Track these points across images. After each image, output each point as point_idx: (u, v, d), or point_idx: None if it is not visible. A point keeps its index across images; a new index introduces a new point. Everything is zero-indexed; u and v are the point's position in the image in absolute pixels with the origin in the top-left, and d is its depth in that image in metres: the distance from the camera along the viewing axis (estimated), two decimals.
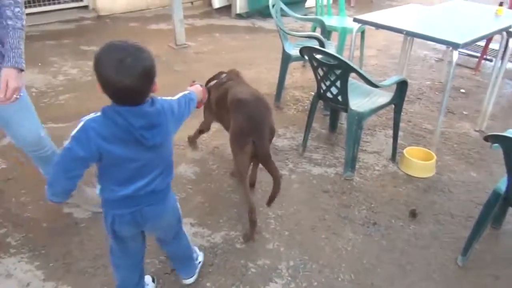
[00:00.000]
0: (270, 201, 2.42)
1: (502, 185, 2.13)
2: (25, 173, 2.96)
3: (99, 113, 1.49)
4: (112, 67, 1.40)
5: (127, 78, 1.40)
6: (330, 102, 3.02)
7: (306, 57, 2.91)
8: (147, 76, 1.45)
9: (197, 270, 2.17)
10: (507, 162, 1.99)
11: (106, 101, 1.50)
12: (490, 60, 4.95)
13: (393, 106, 3.10)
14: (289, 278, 2.22)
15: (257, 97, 2.41)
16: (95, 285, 2.14)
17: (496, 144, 2.01)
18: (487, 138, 2.00)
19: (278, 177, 2.36)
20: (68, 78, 4.42)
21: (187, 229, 2.51)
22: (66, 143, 1.49)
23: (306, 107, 3.96)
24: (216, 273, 2.24)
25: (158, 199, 1.71)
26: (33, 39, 5.44)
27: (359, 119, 2.86)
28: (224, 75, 2.73)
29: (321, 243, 2.46)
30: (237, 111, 2.34)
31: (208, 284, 2.17)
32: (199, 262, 2.21)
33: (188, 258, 2.12)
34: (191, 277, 2.14)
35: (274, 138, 3.43)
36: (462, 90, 4.42)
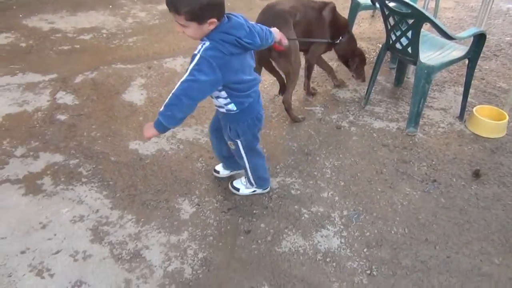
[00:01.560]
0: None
1: None
2: (96, 109, 3.13)
3: (207, 43, 1.70)
4: None
5: None
6: (399, 54, 2.90)
7: (377, 5, 2.78)
8: None
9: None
10: None
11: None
12: None
13: (466, 61, 2.93)
14: (342, 227, 2.25)
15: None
16: (157, 217, 2.28)
17: None
18: None
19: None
20: (136, 21, 4.53)
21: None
22: (185, 76, 1.71)
23: (372, 59, 3.83)
24: (271, 216, 2.30)
25: None
26: None
27: (428, 72, 2.73)
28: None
29: (377, 196, 2.44)
30: None
31: (262, 225, 2.24)
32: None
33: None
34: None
35: (335, 89, 3.41)
36: None
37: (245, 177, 2.39)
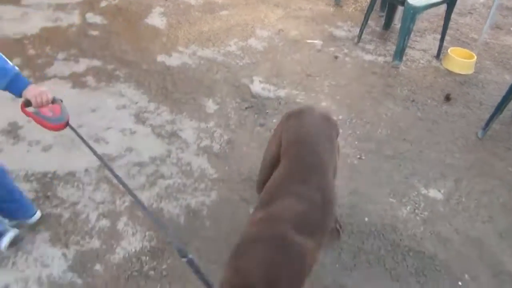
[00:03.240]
0: None
1: None
2: (124, 29, 3.54)
3: None
4: None
5: None
6: None
7: None
8: None
9: None
10: None
11: None
12: None
13: (445, 7, 3.45)
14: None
15: None
16: (187, 109, 2.76)
17: None
18: None
19: None
20: None
21: (257, 84, 3.07)
22: None
23: (364, 7, 4.31)
24: (280, 114, 2.76)
25: None
26: None
27: (414, 12, 3.24)
28: None
29: (366, 107, 2.97)
30: None
31: (274, 120, 2.75)
32: None
33: None
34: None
35: (332, 29, 3.89)
36: None
37: None
